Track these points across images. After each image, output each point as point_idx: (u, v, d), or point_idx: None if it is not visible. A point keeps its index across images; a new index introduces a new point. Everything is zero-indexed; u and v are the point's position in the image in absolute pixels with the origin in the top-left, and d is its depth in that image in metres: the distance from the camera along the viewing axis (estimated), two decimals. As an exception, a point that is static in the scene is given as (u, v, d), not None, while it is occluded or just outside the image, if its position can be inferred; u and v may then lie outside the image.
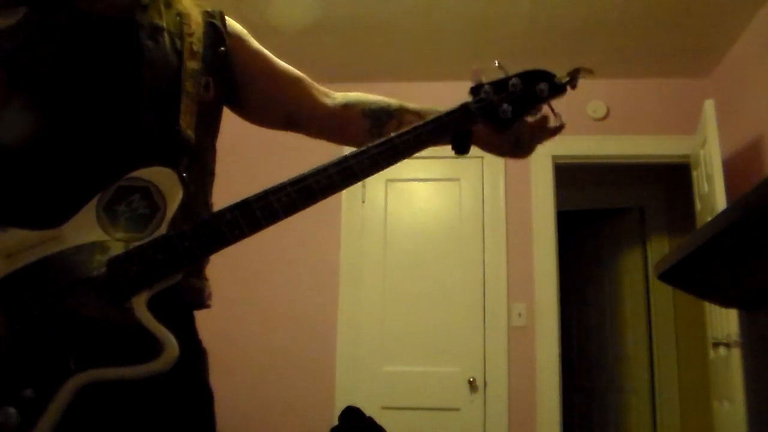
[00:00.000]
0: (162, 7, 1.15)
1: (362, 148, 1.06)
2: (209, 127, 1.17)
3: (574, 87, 1.16)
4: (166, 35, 1.11)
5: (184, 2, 1.18)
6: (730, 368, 2.80)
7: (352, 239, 3.77)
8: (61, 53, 1.04)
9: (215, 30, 1.20)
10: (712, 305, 3.05)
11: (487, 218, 3.73)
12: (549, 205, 3.71)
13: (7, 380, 0.87)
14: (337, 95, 1.32)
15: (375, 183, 3.77)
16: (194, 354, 1.09)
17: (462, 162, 3.75)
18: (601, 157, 3.85)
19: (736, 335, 2.70)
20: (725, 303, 2.06)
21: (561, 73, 1.16)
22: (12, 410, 0.84)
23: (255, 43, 1.27)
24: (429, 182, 3.81)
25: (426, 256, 3.73)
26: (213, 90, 1.16)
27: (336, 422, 3.11)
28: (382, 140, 1.07)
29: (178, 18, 1.15)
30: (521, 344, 3.56)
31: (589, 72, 1.15)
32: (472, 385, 3.51)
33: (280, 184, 1.00)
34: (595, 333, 5.16)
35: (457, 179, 3.81)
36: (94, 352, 0.90)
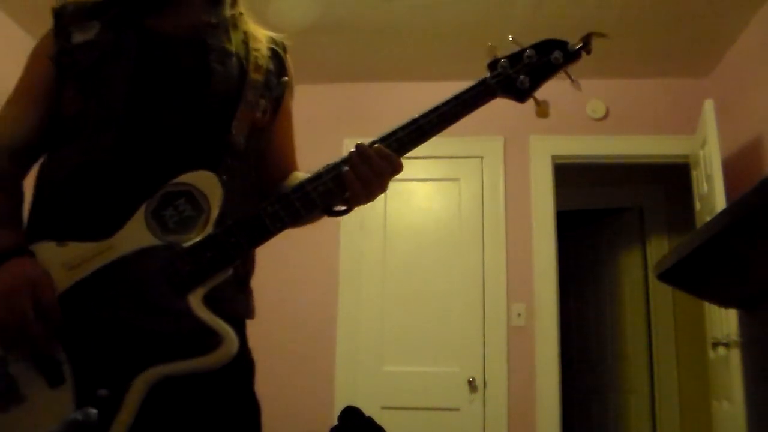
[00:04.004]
0: (230, 28, 1.19)
1: (389, 132, 1.08)
2: (258, 145, 1.21)
3: (588, 52, 1.16)
4: (234, 59, 1.16)
5: (250, 24, 1.24)
6: (730, 368, 2.80)
7: (351, 239, 3.77)
8: (134, 76, 1.09)
9: (279, 59, 1.25)
10: (712, 305, 3.05)
11: (487, 218, 3.73)
12: (548, 205, 3.71)
13: (84, 382, 0.94)
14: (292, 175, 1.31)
15: (375, 183, 3.75)
16: (245, 365, 1.15)
17: (462, 162, 3.75)
18: (601, 157, 3.85)
19: (735, 335, 2.70)
20: (725, 303, 2.06)
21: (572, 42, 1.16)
22: (93, 410, 0.91)
23: (292, 95, 1.31)
24: (429, 182, 3.81)
25: (426, 256, 3.73)
26: (269, 115, 1.21)
27: (336, 422, 3.11)
28: (408, 122, 1.08)
29: (244, 35, 1.20)
30: (521, 344, 3.55)
31: (602, 36, 1.15)
32: (471, 385, 3.51)
33: (316, 173, 1.04)
34: (595, 333, 5.16)
35: (457, 179, 3.80)
36: (158, 351, 0.95)
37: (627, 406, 4.80)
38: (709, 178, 3.13)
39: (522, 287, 3.62)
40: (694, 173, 3.55)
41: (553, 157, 3.74)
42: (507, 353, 3.54)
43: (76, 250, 1.00)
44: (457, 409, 3.51)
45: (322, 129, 3.77)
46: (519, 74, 1.13)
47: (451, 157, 3.74)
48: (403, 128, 1.08)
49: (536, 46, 1.15)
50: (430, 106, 1.12)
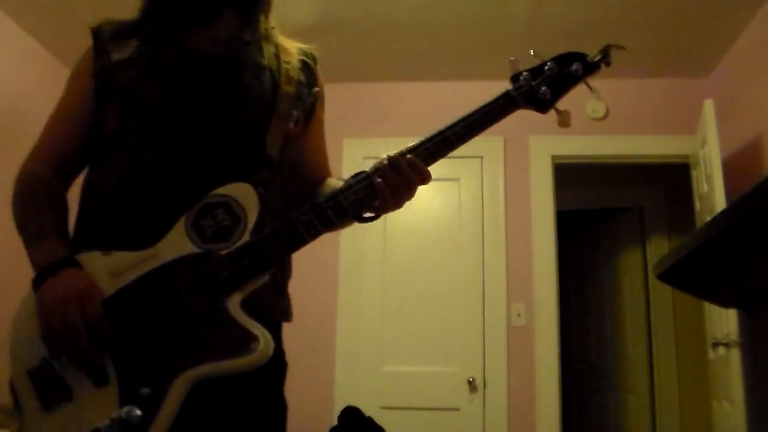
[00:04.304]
0: (262, 42, 1.24)
1: (417, 143, 1.12)
2: (292, 154, 1.25)
3: (608, 64, 1.20)
4: (267, 73, 1.21)
5: (280, 37, 1.30)
6: (730, 368, 2.80)
7: (351, 239, 3.76)
8: (171, 92, 1.14)
9: (309, 70, 1.31)
10: (712, 305, 3.05)
11: (487, 218, 3.73)
12: (548, 205, 3.71)
13: (128, 382, 1.00)
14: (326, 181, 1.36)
15: (375, 183, 3.75)
16: (279, 367, 1.23)
17: (461, 162, 3.75)
18: (601, 157, 3.85)
19: (735, 335, 2.70)
20: (725, 303, 2.06)
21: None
22: (136, 409, 0.96)
23: (323, 105, 1.36)
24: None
25: (426, 256, 3.73)
26: (301, 125, 1.25)
27: (335, 422, 3.11)
28: (435, 133, 1.14)
29: (275, 48, 1.25)
30: (520, 344, 3.55)
31: (620, 47, 1.19)
32: (471, 385, 3.51)
33: (347, 183, 1.09)
34: (595, 333, 5.16)
35: (457, 179, 3.80)
36: (198, 352, 1.00)
37: (627, 406, 4.80)
38: (709, 178, 3.13)
39: (522, 287, 3.62)
40: (694, 173, 3.55)
41: (553, 157, 3.74)
42: (507, 353, 3.54)
43: (120, 258, 1.06)
44: (457, 409, 3.51)
45: (322, 129, 3.77)
46: (541, 86, 1.17)
47: (451, 157, 3.71)
48: (430, 139, 1.13)
49: (557, 59, 1.19)
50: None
